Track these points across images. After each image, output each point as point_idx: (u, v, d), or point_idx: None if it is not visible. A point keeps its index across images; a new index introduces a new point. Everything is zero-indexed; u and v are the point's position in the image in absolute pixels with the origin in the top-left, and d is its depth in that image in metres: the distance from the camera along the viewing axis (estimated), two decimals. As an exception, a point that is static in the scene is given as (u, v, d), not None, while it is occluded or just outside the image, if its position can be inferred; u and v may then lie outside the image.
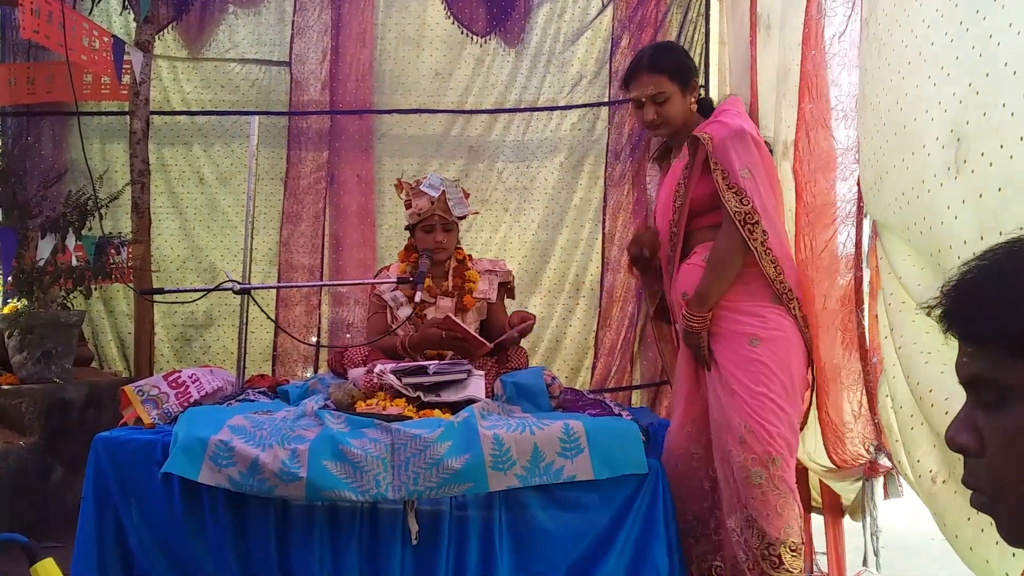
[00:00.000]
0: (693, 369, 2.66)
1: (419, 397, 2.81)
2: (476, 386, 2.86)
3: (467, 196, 3.45)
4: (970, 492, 0.86)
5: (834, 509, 2.89)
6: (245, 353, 3.18)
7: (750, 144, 2.46)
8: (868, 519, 2.50)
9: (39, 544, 1.34)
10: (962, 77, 1.47)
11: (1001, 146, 1.32)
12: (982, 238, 1.37)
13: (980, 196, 1.38)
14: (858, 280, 2.36)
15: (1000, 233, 1.31)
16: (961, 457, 0.87)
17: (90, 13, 4.18)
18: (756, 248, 2.37)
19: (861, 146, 2.10)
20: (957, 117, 1.47)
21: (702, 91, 4.27)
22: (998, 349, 0.80)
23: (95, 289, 3.82)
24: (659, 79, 2.65)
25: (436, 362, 2.94)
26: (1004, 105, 1.32)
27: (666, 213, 2.66)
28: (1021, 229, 1.24)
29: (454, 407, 2.76)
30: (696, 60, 4.33)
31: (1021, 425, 0.79)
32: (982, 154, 1.38)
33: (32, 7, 3.36)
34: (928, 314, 0.88)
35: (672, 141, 2.83)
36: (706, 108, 2.75)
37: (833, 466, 2.54)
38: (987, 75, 1.38)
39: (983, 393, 0.83)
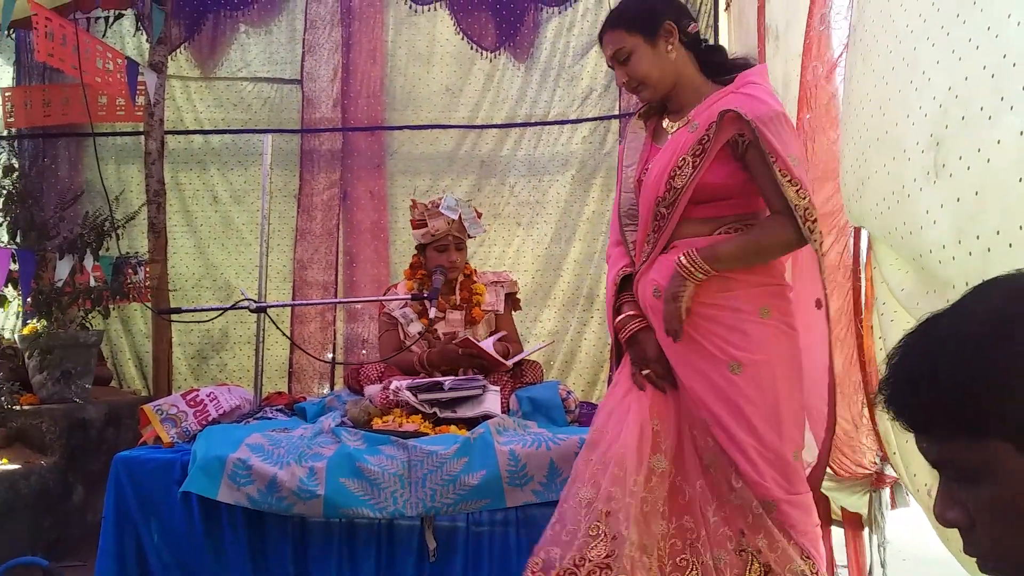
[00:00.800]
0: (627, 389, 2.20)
1: (435, 413, 2.82)
2: (492, 401, 2.86)
3: (479, 216, 3.47)
4: (975, 560, 0.84)
5: (854, 522, 2.87)
6: (262, 371, 3.20)
7: (793, 130, 2.11)
8: (876, 531, 2.49)
9: (60, 564, 1.35)
10: (942, 81, 1.46)
11: (979, 150, 1.32)
12: (960, 242, 1.36)
13: (958, 200, 1.38)
14: (856, 290, 2.36)
15: (977, 237, 1.31)
16: None
17: (103, 35, 4.23)
18: (816, 249, 2.02)
19: (843, 152, 2.09)
20: (937, 121, 1.47)
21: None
22: (944, 432, 0.78)
23: (113, 309, 3.86)
24: (615, 34, 2.22)
25: (452, 378, 2.95)
26: (982, 108, 1.31)
27: (656, 189, 2.12)
28: (998, 233, 1.25)
29: (470, 423, 2.76)
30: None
31: (1000, 497, 0.77)
32: (960, 158, 1.38)
33: (47, 30, 3.41)
34: (879, 406, 0.85)
35: (671, 103, 2.26)
36: (716, 66, 2.22)
37: (832, 472, 2.53)
38: (966, 79, 1.38)
39: (949, 473, 0.81)
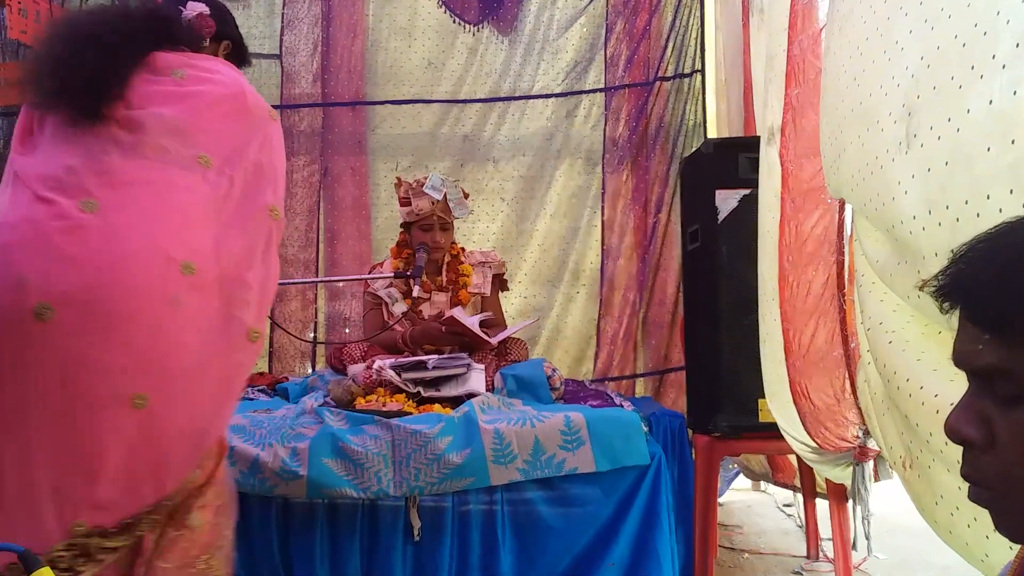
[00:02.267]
0: None
1: (419, 392, 2.80)
2: (476, 380, 2.85)
3: (467, 196, 3.43)
4: (968, 485, 0.81)
5: (838, 494, 2.88)
6: (243, 351, 3.17)
7: None
8: (860, 503, 2.49)
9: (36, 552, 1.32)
10: (915, 50, 1.45)
11: (949, 119, 1.31)
12: (930, 212, 1.36)
13: (928, 170, 1.37)
14: (839, 264, 2.34)
15: (947, 207, 1.30)
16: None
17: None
18: None
19: (822, 124, 2.08)
20: (909, 91, 1.46)
21: (697, 76, 4.27)
22: (1019, 339, 0.72)
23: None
24: None
25: (436, 356, 2.93)
26: (953, 78, 1.31)
27: None
28: (967, 203, 1.24)
29: (454, 401, 2.75)
30: (692, 45, 4.31)
31: None
32: (931, 128, 1.37)
33: (19, 7, 3.34)
34: (922, 288, 0.81)
35: None
36: None
37: (816, 445, 2.53)
38: (938, 48, 1.37)
39: (999, 385, 0.75)
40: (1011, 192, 1.16)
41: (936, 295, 0.79)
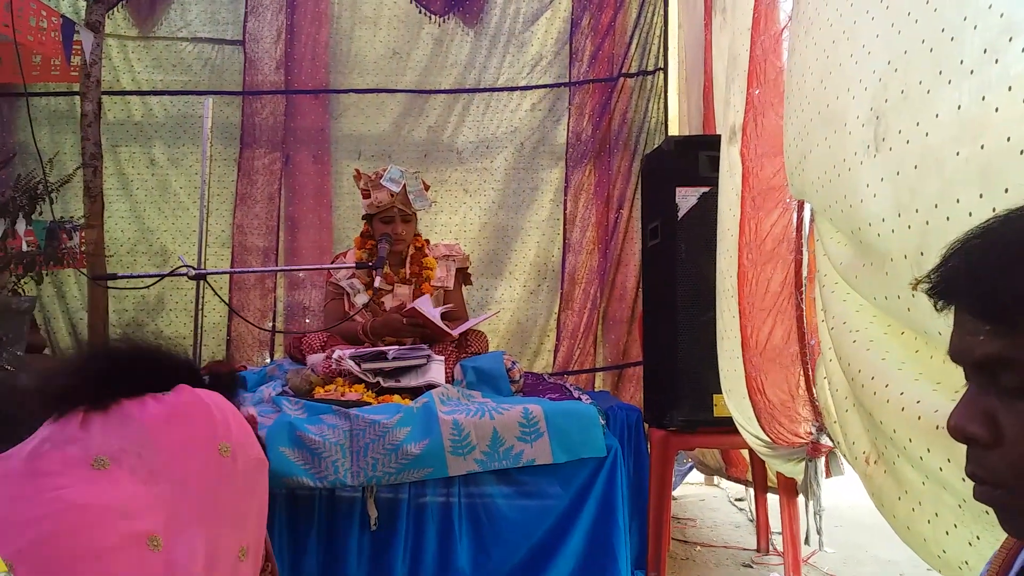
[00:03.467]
0: None
1: (378, 383, 2.80)
2: (436, 371, 2.86)
3: (427, 188, 3.43)
4: (973, 484, 0.79)
5: (789, 489, 2.93)
6: (201, 339, 3.14)
7: None
8: (812, 499, 2.54)
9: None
10: (882, 55, 1.47)
11: (917, 123, 1.33)
12: (899, 215, 1.37)
13: (897, 174, 1.39)
14: (797, 263, 2.38)
15: (916, 210, 1.32)
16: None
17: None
18: None
19: (786, 126, 2.11)
20: (876, 95, 1.48)
21: (660, 73, 4.30)
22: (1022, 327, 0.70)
23: (46, 275, 3.74)
24: None
25: (396, 347, 2.93)
26: (920, 82, 1.32)
27: None
28: (936, 206, 1.26)
29: (414, 392, 2.75)
30: (655, 42, 4.35)
31: None
32: (899, 131, 1.38)
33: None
34: (915, 287, 0.79)
35: None
36: None
37: (769, 440, 2.57)
38: (905, 52, 1.39)
39: (1004, 377, 0.73)
40: (980, 196, 1.17)
41: (931, 292, 0.77)
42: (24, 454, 1.29)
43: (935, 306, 0.78)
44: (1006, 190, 1.13)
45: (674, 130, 4.27)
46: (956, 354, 0.78)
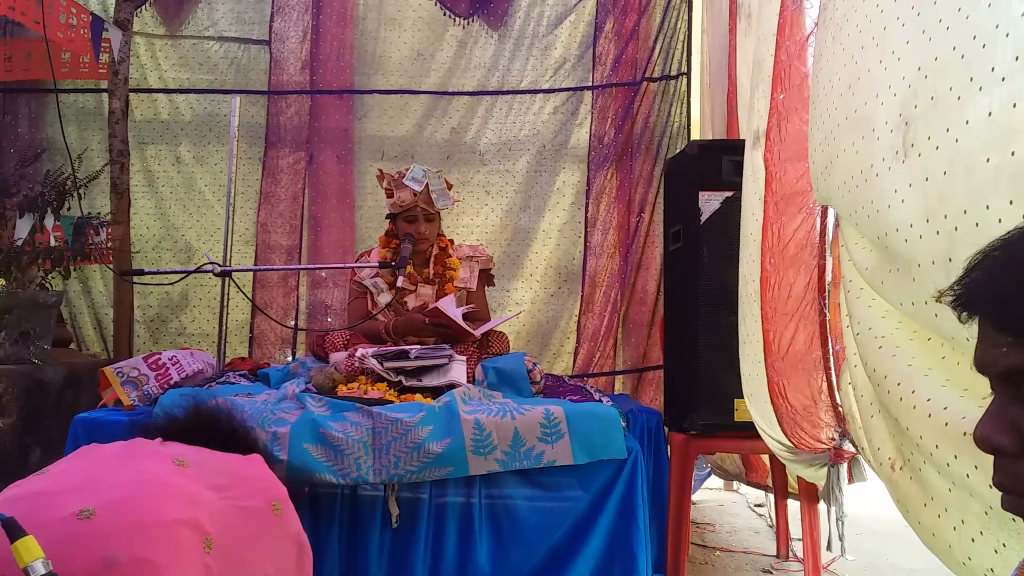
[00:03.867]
0: None
1: (400, 381, 2.82)
2: (457, 371, 2.87)
3: (450, 187, 3.44)
4: (1001, 494, 0.79)
5: (810, 495, 2.93)
6: (225, 336, 3.17)
7: None
8: (834, 505, 2.54)
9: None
10: (912, 61, 1.47)
11: (947, 130, 1.33)
12: (927, 221, 1.37)
13: (927, 180, 1.39)
14: (821, 268, 2.38)
15: (945, 216, 1.32)
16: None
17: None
18: None
19: (811, 131, 2.11)
20: (906, 101, 1.48)
21: (683, 78, 4.31)
22: None
23: (72, 270, 3.79)
24: None
25: (418, 347, 2.94)
26: (951, 89, 1.33)
27: None
28: (965, 212, 1.26)
29: (435, 392, 2.77)
30: (679, 47, 4.35)
31: None
32: (929, 138, 1.39)
33: (9, -18, 3.31)
34: (938, 299, 0.80)
35: None
36: None
37: (791, 445, 2.57)
38: (936, 59, 1.39)
39: None
40: (1011, 203, 1.17)
41: (954, 304, 0.78)
42: (120, 444, 1.61)
43: (959, 318, 0.78)
44: (1037, 198, 1.13)
45: (696, 134, 4.27)
46: (981, 366, 0.78)
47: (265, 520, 1.61)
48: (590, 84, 4.45)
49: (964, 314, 0.77)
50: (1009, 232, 0.78)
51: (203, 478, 1.52)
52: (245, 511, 1.53)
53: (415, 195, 3.28)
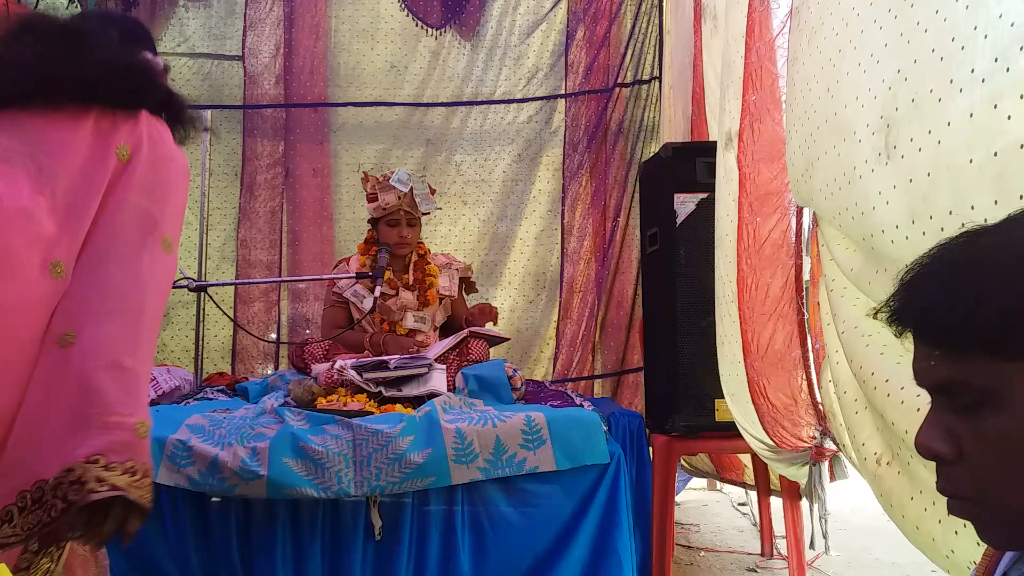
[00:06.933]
0: None
1: (380, 392, 2.81)
2: (437, 380, 2.86)
3: (433, 192, 3.45)
4: (946, 499, 0.81)
5: (792, 493, 2.94)
6: (202, 351, 3.15)
7: None
8: (817, 502, 2.55)
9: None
10: (891, 64, 1.48)
11: (929, 131, 1.34)
12: (913, 222, 1.38)
13: (910, 181, 1.40)
14: (798, 268, 2.39)
15: (930, 217, 1.33)
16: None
17: (36, 6, 4.09)
18: None
19: (789, 134, 2.12)
20: (886, 103, 1.49)
21: (655, 82, 4.33)
22: (972, 350, 0.73)
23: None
24: None
25: (397, 356, 2.94)
26: (931, 91, 1.33)
27: None
28: (951, 213, 1.26)
29: (416, 401, 2.76)
30: (650, 52, 4.37)
31: (1006, 430, 0.73)
32: (911, 139, 1.39)
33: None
34: (875, 316, 0.82)
35: None
36: None
37: (773, 443, 2.58)
38: (915, 61, 1.39)
39: (957, 398, 0.77)
40: (996, 202, 1.18)
41: (888, 320, 0.80)
42: None
43: (893, 333, 0.81)
44: (1021, 196, 1.13)
45: (663, 137, 4.29)
46: (916, 378, 0.81)
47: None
48: (563, 92, 4.47)
49: (896, 328, 0.80)
50: (938, 243, 0.81)
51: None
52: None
53: (400, 198, 3.29)
